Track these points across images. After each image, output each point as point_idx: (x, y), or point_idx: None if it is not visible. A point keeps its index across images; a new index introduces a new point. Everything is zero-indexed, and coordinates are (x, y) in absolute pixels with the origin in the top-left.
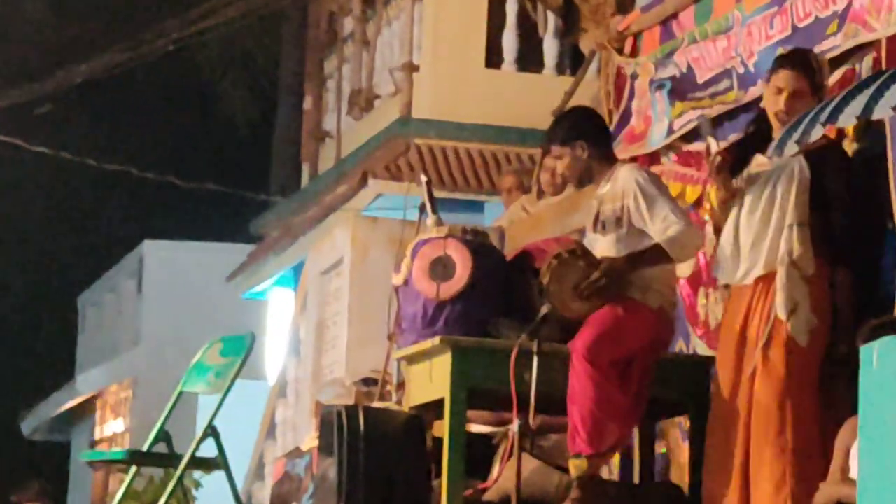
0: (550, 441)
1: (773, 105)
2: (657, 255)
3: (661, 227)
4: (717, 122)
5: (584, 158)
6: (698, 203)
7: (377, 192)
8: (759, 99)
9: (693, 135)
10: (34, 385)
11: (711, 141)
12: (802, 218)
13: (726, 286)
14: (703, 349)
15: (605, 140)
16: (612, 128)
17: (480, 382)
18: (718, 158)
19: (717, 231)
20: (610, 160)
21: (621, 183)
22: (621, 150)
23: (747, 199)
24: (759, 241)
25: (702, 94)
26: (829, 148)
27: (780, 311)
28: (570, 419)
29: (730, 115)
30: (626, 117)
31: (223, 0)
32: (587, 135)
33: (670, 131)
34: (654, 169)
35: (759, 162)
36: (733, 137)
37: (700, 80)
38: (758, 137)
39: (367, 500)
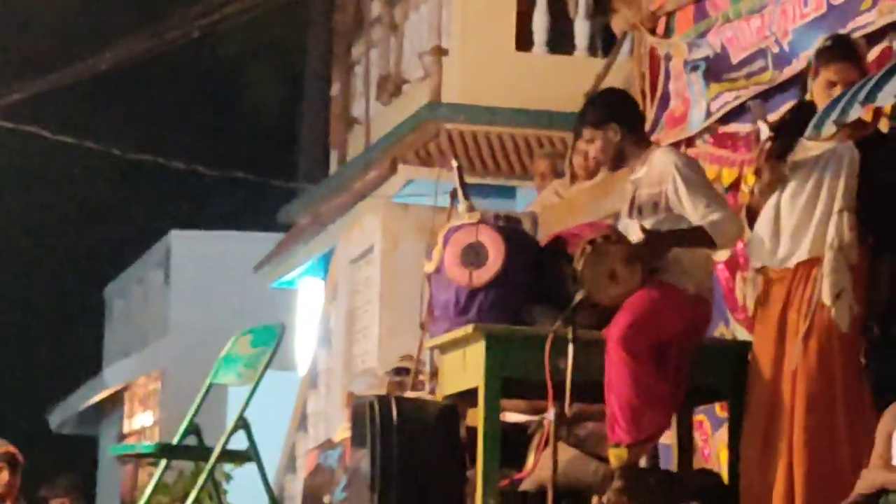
0: (587, 429)
1: (828, 99)
2: (697, 237)
3: (703, 212)
4: None
5: (617, 141)
6: (735, 186)
7: (407, 178)
8: (795, 78)
9: (729, 116)
10: (61, 378)
11: (762, 126)
12: (851, 204)
13: (760, 269)
14: (742, 333)
15: (638, 122)
16: (651, 111)
17: (515, 371)
18: (769, 144)
19: (752, 214)
20: (644, 143)
21: (658, 167)
22: (664, 134)
23: (791, 184)
24: (803, 227)
25: (736, 75)
26: (879, 135)
27: (826, 297)
28: (609, 408)
29: (765, 95)
30: (665, 100)
31: None
32: (620, 117)
33: (708, 114)
34: (690, 152)
35: (804, 147)
36: (770, 118)
37: (734, 61)
38: (802, 122)
39: (401, 491)
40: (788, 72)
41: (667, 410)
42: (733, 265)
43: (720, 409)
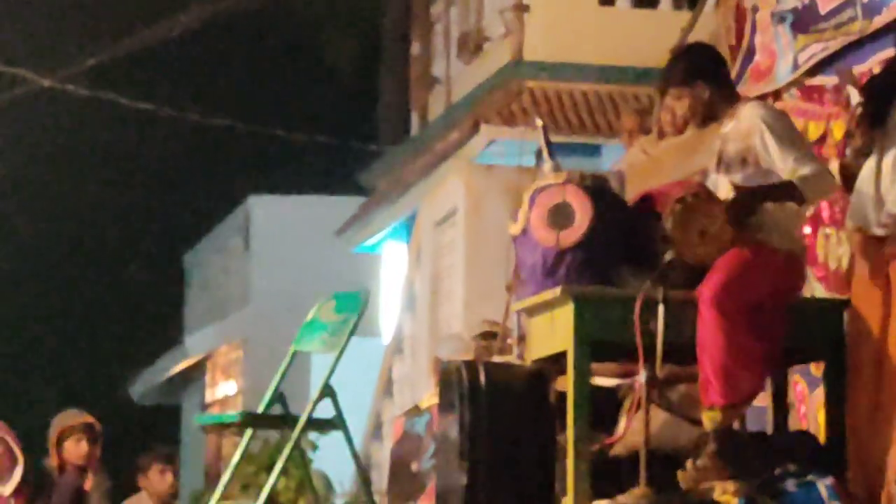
0: (679, 392)
1: None
2: (787, 192)
3: (792, 166)
4: (842, 54)
5: (705, 97)
6: (821, 139)
7: (490, 138)
8: (886, 28)
9: (816, 68)
10: (142, 348)
11: (852, 91)
12: None
13: (856, 229)
14: (819, 291)
15: (725, 77)
16: (736, 64)
17: (604, 333)
18: (860, 109)
19: (847, 176)
20: (732, 98)
21: (746, 122)
22: (748, 87)
23: (893, 146)
24: None
25: (825, 26)
26: None
27: None
28: (702, 370)
29: (855, 45)
30: (750, 53)
31: None
32: (707, 73)
33: (795, 66)
34: (777, 105)
35: None
36: (858, 69)
37: (823, 11)
38: (894, 84)
39: (491, 457)
40: (878, 21)
41: (761, 371)
42: (815, 221)
43: (815, 369)
